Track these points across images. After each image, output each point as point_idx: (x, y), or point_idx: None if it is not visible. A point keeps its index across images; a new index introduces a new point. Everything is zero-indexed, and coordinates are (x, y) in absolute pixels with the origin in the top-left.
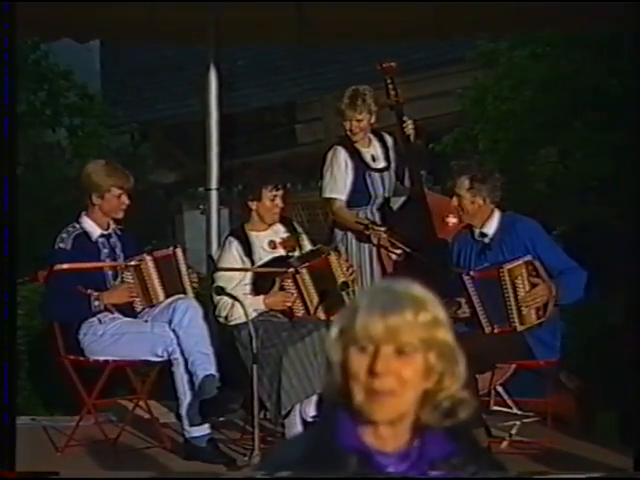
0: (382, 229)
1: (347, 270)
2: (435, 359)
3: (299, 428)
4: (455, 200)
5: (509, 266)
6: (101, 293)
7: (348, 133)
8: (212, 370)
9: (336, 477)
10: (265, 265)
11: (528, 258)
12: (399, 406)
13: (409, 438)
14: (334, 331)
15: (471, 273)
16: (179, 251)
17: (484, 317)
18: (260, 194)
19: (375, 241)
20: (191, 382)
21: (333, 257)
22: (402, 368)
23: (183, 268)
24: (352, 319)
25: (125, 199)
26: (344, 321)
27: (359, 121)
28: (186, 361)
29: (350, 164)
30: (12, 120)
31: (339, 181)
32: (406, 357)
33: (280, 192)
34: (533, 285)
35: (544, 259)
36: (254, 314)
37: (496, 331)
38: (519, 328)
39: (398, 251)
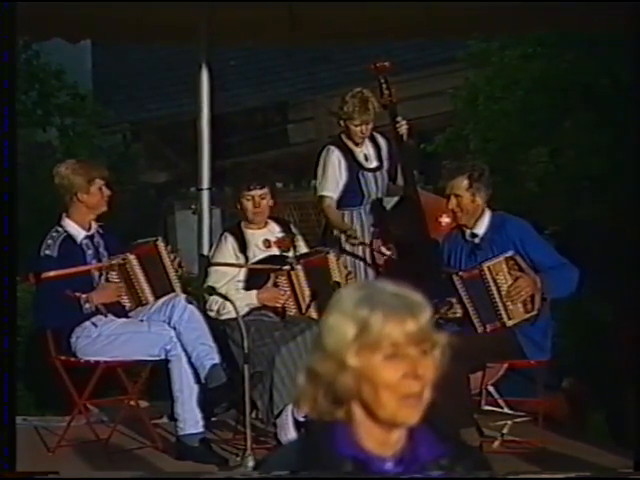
0: (359, 240)
1: (346, 275)
2: (440, 355)
3: (291, 428)
4: (454, 201)
5: (489, 264)
6: (90, 294)
7: (359, 135)
8: (217, 359)
9: (336, 477)
10: (260, 262)
11: (509, 254)
12: (423, 407)
13: (404, 440)
14: (349, 335)
15: (460, 274)
16: (160, 244)
17: (475, 317)
18: (239, 196)
19: (349, 249)
20: (195, 375)
21: (332, 257)
22: (428, 368)
23: (167, 261)
24: (369, 325)
25: (106, 190)
26: (357, 327)
27: (368, 124)
28: (188, 356)
29: (343, 164)
30: (12, 120)
31: (330, 179)
32: (428, 357)
33: (256, 192)
34: (515, 279)
35: (534, 257)
36: (246, 309)
37: (488, 330)
38: (508, 323)
39: (388, 252)
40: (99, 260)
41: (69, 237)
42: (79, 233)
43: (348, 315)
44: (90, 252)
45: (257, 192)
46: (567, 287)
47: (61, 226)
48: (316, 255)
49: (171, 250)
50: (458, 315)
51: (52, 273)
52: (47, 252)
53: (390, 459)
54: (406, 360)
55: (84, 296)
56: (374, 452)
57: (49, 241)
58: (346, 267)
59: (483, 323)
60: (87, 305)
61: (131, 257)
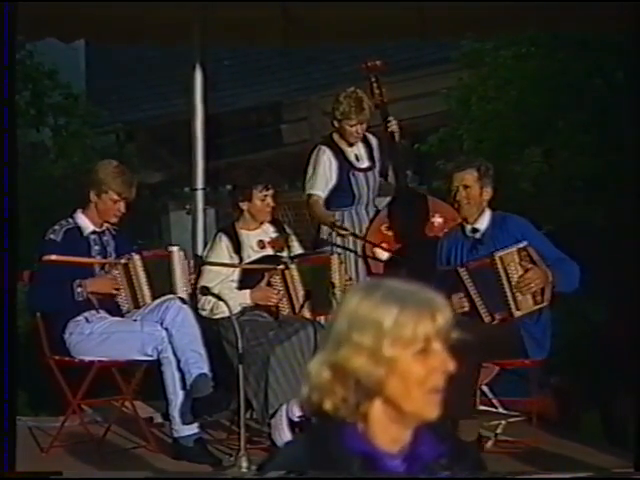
0: (348, 232)
1: (345, 281)
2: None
3: (285, 428)
4: (462, 192)
5: (501, 253)
6: (84, 281)
7: (354, 135)
8: (206, 369)
9: (334, 477)
10: (255, 263)
11: (521, 245)
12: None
13: (410, 438)
14: (386, 326)
15: (465, 265)
16: (176, 251)
17: (483, 308)
18: (251, 195)
19: (339, 242)
20: (182, 381)
21: (335, 259)
22: (451, 363)
23: (178, 270)
24: (400, 321)
25: (121, 206)
26: (391, 321)
27: (363, 124)
28: (178, 360)
29: (334, 163)
30: (11, 120)
31: (319, 178)
32: (445, 351)
33: (270, 192)
34: (526, 270)
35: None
36: (239, 308)
37: (496, 319)
38: (516, 314)
39: (385, 254)
40: (104, 258)
41: (77, 228)
42: (88, 227)
43: (379, 310)
44: (97, 248)
45: (270, 192)
46: (572, 281)
47: (72, 217)
48: (318, 255)
49: (190, 266)
50: (465, 309)
51: (52, 257)
52: (51, 236)
53: (397, 456)
54: (433, 355)
55: (78, 281)
56: (383, 449)
57: (56, 227)
58: (347, 273)
59: (491, 313)
60: (79, 289)
61: (136, 257)
